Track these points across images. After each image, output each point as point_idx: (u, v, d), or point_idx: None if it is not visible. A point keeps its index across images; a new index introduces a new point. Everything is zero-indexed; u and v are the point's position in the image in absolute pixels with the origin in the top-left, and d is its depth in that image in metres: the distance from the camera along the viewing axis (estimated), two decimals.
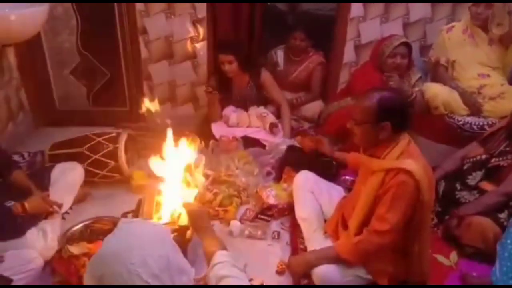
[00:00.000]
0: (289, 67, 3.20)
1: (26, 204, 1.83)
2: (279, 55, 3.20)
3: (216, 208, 2.38)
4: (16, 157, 2.67)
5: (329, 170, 2.46)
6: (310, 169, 2.28)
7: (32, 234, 1.88)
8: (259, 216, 2.37)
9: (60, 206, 2.02)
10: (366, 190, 1.70)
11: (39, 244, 1.85)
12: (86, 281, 0.98)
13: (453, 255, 2.10)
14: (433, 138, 2.70)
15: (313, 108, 3.23)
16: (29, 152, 2.72)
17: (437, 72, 2.79)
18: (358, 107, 1.71)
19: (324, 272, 1.72)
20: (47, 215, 2.02)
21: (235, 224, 2.26)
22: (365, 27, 3.03)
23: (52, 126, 3.19)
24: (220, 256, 1.28)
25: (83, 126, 2.99)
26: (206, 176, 2.60)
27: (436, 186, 2.35)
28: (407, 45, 2.66)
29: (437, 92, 2.62)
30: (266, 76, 2.98)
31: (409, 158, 1.63)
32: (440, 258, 2.09)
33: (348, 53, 3.12)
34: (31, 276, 1.72)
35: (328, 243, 1.89)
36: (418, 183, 1.58)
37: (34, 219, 1.95)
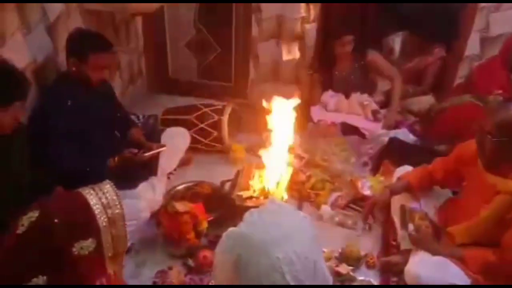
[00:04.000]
0: (405, 56, 3.01)
1: (116, 159, 1.99)
2: (397, 42, 3.01)
3: (308, 190, 2.39)
4: (132, 118, 2.96)
5: None
6: (412, 165, 2.15)
7: (144, 187, 2.08)
8: (350, 205, 2.32)
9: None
10: (490, 210, 1.57)
11: (148, 197, 2.04)
12: (218, 252, 0.94)
13: None
14: None
15: (421, 102, 3.00)
16: (144, 114, 2.99)
17: None
18: (494, 118, 1.52)
19: (419, 273, 1.62)
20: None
21: (326, 209, 2.25)
22: (497, 18, 2.72)
23: (163, 93, 3.46)
24: None
25: (189, 96, 3.21)
26: (300, 157, 2.62)
27: None
28: None
29: None
30: (374, 55, 2.84)
31: None
32: None
33: (472, 46, 2.84)
34: (139, 224, 1.92)
35: None
36: None
37: (145, 174, 2.17)
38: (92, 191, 1.05)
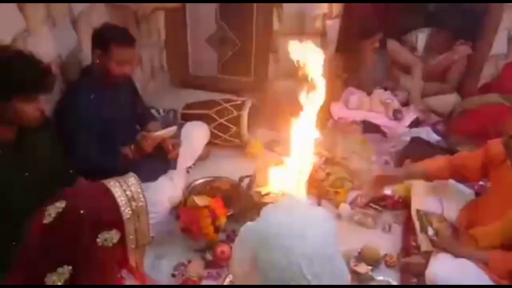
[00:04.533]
0: (429, 54, 2.94)
1: (132, 146, 1.99)
2: (420, 38, 2.95)
3: (327, 188, 2.36)
4: (152, 112, 2.99)
5: None
6: None
7: (163, 180, 2.10)
8: (370, 204, 2.29)
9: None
10: None
11: (168, 190, 2.06)
12: (236, 247, 0.95)
13: None
14: None
15: (445, 101, 2.94)
16: (164, 108, 3.01)
17: None
18: None
19: (441, 275, 1.59)
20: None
21: (345, 208, 2.23)
22: None
23: (183, 88, 3.47)
24: None
25: (209, 91, 3.21)
26: (320, 155, 2.59)
27: None
28: None
29: None
30: (392, 43, 2.83)
31: None
32: None
33: (498, 44, 2.76)
34: (159, 217, 1.93)
35: None
36: None
37: (165, 167, 2.18)
38: (117, 183, 1.06)
